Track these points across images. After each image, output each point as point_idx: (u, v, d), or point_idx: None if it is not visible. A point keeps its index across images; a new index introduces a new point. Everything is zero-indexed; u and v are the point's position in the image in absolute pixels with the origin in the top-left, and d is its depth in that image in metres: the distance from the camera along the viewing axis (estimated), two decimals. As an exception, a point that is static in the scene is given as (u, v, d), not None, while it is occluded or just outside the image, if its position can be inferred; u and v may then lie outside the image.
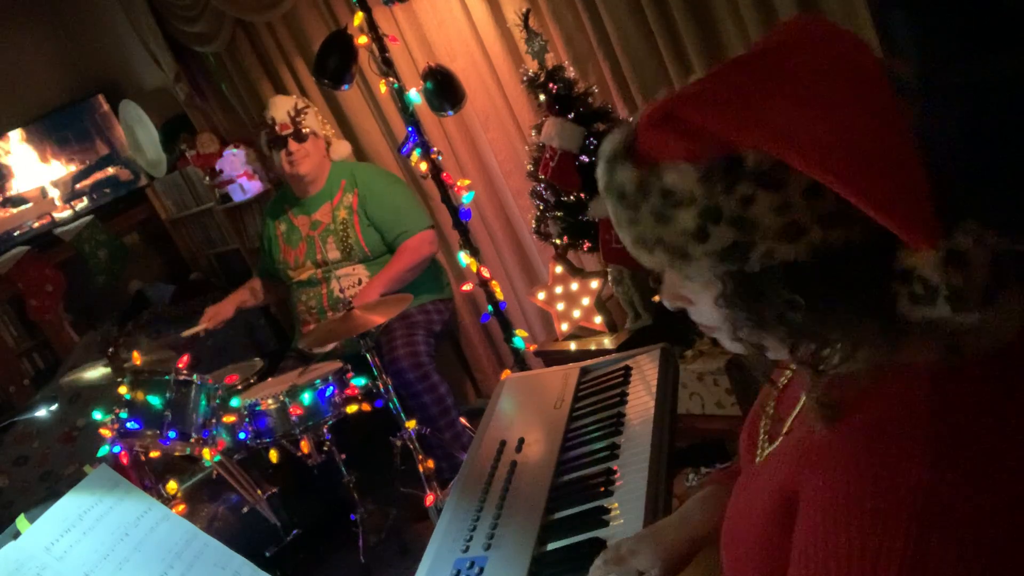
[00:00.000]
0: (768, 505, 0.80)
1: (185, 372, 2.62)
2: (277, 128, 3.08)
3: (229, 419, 2.64)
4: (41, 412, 3.43)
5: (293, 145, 3.08)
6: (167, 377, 2.58)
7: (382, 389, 2.62)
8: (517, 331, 2.88)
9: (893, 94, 0.72)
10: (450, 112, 2.75)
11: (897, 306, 0.71)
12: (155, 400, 2.55)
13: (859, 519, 0.68)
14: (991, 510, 0.65)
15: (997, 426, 0.69)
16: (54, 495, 1.43)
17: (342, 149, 3.31)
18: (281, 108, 3.11)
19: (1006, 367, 0.71)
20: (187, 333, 3.19)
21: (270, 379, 3.00)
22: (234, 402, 2.69)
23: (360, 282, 3.12)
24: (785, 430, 0.89)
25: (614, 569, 1.11)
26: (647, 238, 0.76)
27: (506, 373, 2.49)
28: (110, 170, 4.91)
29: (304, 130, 3.09)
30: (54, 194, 4.82)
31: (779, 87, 0.71)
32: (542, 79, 2.50)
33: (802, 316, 0.73)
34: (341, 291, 3.12)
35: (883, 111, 0.71)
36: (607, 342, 2.64)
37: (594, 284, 2.71)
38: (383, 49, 2.70)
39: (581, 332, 2.80)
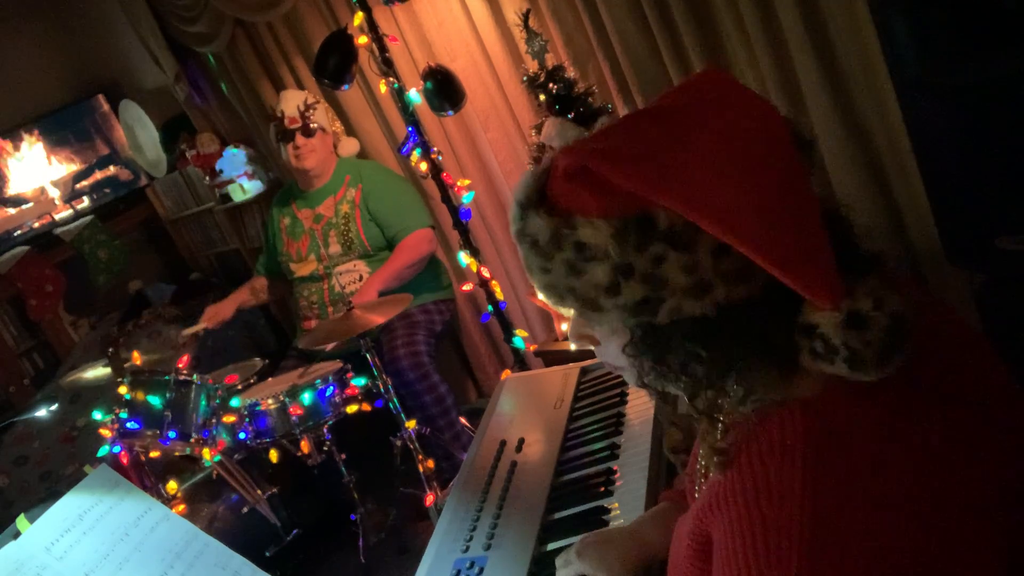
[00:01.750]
0: (688, 550, 0.83)
1: (185, 372, 2.62)
2: (286, 122, 3.10)
3: (229, 419, 2.64)
4: (41, 412, 3.43)
5: (300, 139, 3.11)
6: (167, 377, 2.58)
7: (382, 389, 2.62)
8: (517, 331, 2.88)
9: (796, 155, 0.75)
10: (450, 112, 2.75)
11: (799, 358, 0.73)
12: (155, 400, 2.55)
13: (755, 557, 0.70)
14: (871, 524, 0.68)
15: (866, 446, 0.71)
16: (54, 495, 1.43)
17: (350, 146, 3.34)
18: (291, 102, 3.14)
19: (875, 392, 0.73)
20: (187, 332, 3.19)
21: (270, 379, 3.00)
22: (234, 402, 2.69)
23: (361, 279, 3.13)
24: (708, 473, 0.91)
25: (565, 569, 1.14)
26: (558, 286, 0.78)
27: (506, 373, 2.49)
28: (110, 170, 4.91)
29: (312, 125, 3.12)
30: (54, 194, 4.83)
31: (689, 149, 0.73)
32: (542, 79, 2.49)
33: (704, 368, 0.76)
34: (342, 287, 3.13)
35: (787, 174, 0.74)
36: (607, 342, 2.64)
37: (594, 284, 2.71)
38: (383, 49, 2.70)
39: (581, 332, 2.79)
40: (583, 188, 0.75)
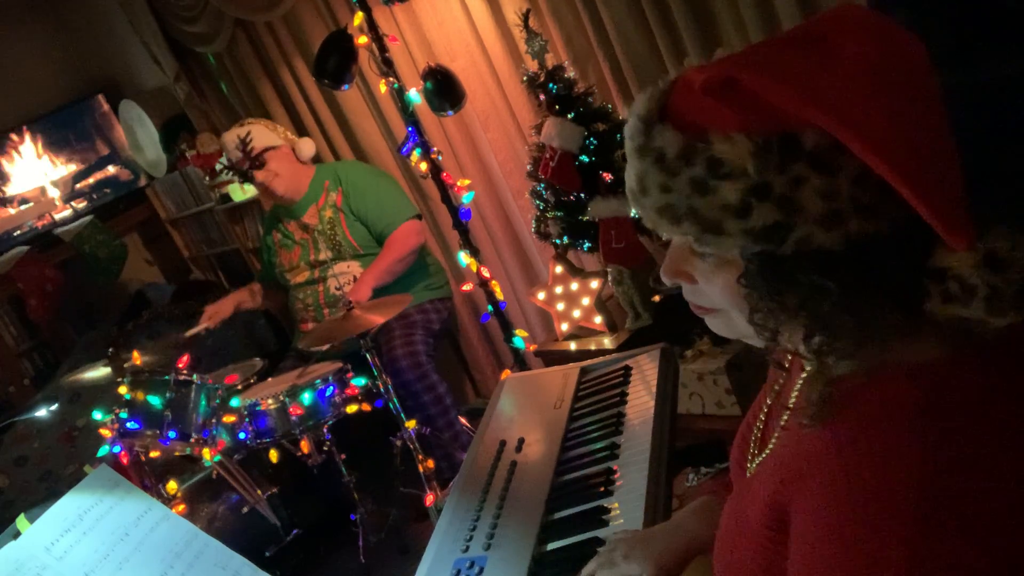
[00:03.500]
0: (759, 520, 0.78)
1: (185, 372, 2.62)
2: (240, 164, 3.08)
3: (229, 419, 2.64)
4: (41, 412, 3.43)
5: (259, 174, 3.11)
6: (167, 377, 2.58)
7: (382, 389, 2.62)
8: (517, 331, 2.88)
9: (941, 94, 0.72)
10: (450, 112, 2.75)
11: (928, 303, 0.70)
12: (155, 400, 2.55)
13: (855, 525, 0.66)
14: (988, 495, 0.64)
15: (975, 416, 0.68)
16: (54, 495, 1.43)
17: (306, 148, 3.23)
18: (230, 145, 3.12)
19: (984, 359, 0.71)
20: (189, 333, 3.20)
21: (270, 379, 3.00)
22: (234, 402, 2.69)
23: (355, 279, 3.13)
24: (773, 440, 0.88)
25: (609, 570, 1.11)
26: (678, 207, 0.73)
27: (506, 373, 2.49)
28: (110, 170, 4.91)
29: (258, 153, 3.08)
30: (54, 194, 4.82)
31: (839, 71, 0.69)
32: (542, 79, 2.49)
33: (828, 305, 0.71)
34: (338, 288, 3.13)
35: (934, 110, 0.71)
36: (607, 342, 2.64)
37: (594, 284, 2.71)
38: (383, 49, 2.70)
39: (581, 332, 2.80)
40: (724, 102, 0.70)
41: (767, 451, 0.88)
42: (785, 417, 0.87)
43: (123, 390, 2.58)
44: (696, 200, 0.72)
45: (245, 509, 2.80)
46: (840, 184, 0.68)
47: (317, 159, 3.63)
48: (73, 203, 4.84)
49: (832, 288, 0.70)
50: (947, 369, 0.71)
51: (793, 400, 0.86)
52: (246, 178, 3.13)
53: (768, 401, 0.95)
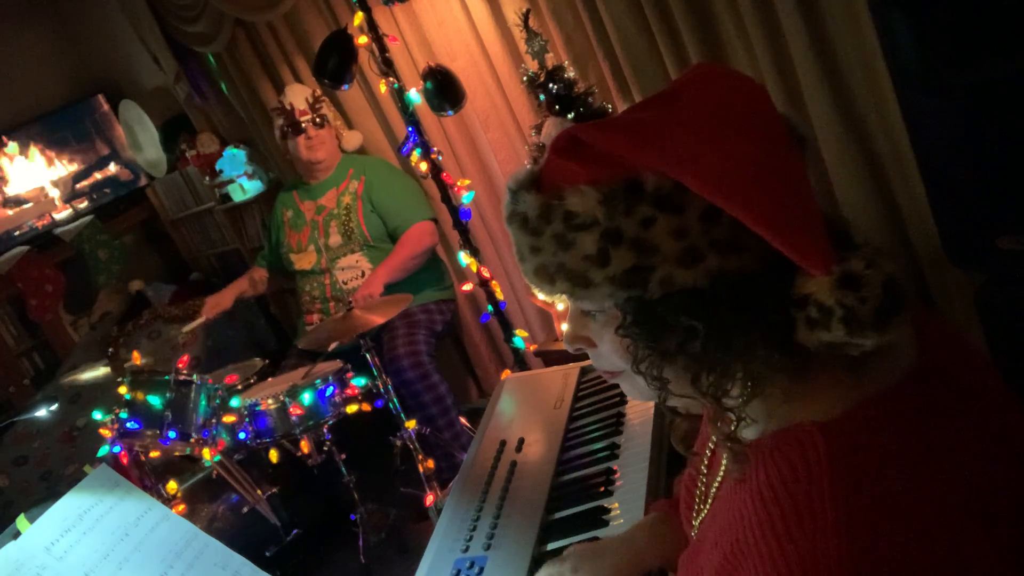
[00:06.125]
0: None
1: (185, 372, 2.62)
2: (296, 114, 3.13)
3: (229, 419, 2.64)
4: (41, 412, 3.43)
5: (312, 131, 3.16)
6: (167, 377, 2.58)
7: (382, 389, 2.62)
8: (517, 331, 2.88)
9: (788, 135, 0.75)
10: (450, 112, 2.75)
11: (796, 334, 0.71)
12: (155, 400, 2.55)
13: None
14: (912, 542, 0.65)
15: (894, 462, 0.68)
16: (54, 495, 1.43)
17: (354, 139, 3.38)
18: (299, 95, 3.20)
19: (896, 402, 0.72)
20: (187, 328, 3.21)
21: (270, 379, 3.00)
22: (234, 402, 2.69)
23: (363, 275, 3.14)
24: (711, 497, 0.89)
25: None
26: (549, 266, 0.76)
27: (506, 373, 2.49)
28: (110, 170, 4.91)
29: (323, 115, 3.17)
30: (54, 194, 4.82)
31: (678, 117, 0.73)
32: (542, 79, 2.49)
33: (701, 344, 0.73)
34: (343, 283, 3.15)
35: (777, 146, 0.73)
36: (607, 342, 2.64)
37: (594, 284, 2.71)
38: (383, 49, 2.70)
39: (581, 332, 2.79)
40: (571, 160, 0.75)
41: (707, 507, 0.89)
42: (720, 475, 0.88)
43: (123, 390, 2.58)
44: (562, 255, 0.75)
45: (245, 509, 2.80)
46: (688, 221, 0.70)
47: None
48: (73, 203, 4.83)
49: (699, 328, 0.72)
50: (849, 422, 0.71)
51: (723, 470, 0.87)
52: (295, 130, 3.16)
53: (708, 454, 0.96)
